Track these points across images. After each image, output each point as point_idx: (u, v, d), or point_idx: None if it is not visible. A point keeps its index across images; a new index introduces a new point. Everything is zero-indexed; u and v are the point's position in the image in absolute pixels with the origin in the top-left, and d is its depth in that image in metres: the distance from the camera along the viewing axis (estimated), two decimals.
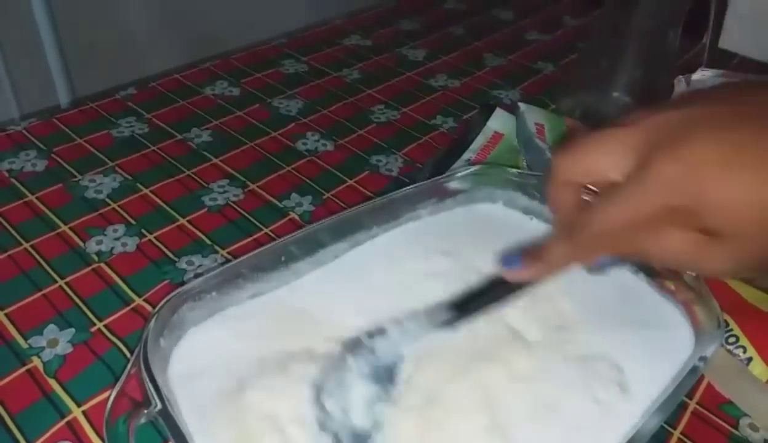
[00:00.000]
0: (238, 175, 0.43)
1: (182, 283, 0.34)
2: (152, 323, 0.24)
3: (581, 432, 0.24)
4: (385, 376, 0.24)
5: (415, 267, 0.31)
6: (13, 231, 0.37)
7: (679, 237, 0.19)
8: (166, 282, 0.34)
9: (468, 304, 0.25)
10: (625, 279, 0.31)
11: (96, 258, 0.36)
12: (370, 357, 0.25)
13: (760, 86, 0.20)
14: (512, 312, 0.28)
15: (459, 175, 0.35)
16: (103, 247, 0.36)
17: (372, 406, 0.24)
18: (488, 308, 0.25)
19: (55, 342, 0.31)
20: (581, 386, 0.26)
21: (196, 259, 0.36)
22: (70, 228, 0.37)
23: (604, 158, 0.20)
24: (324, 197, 0.42)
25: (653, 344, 0.28)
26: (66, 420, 0.27)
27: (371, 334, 0.25)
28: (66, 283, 0.34)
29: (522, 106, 0.44)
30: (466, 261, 0.31)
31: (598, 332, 0.28)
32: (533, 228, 0.34)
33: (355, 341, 0.25)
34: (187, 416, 0.23)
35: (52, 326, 0.31)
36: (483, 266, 0.29)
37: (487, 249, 0.32)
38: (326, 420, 0.23)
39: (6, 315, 0.32)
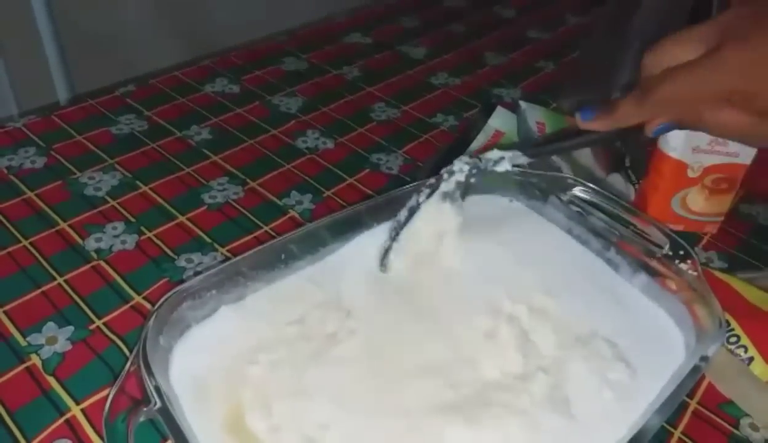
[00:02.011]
0: (237, 173, 0.43)
1: (182, 281, 0.34)
2: (152, 321, 0.24)
3: None
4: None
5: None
6: (12, 229, 0.37)
7: (735, 115, 0.23)
8: (166, 280, 0.34)
9: (545, 144, 0.30)
10: (620, 287, 0.31)
11: (95, 255, 0.35)
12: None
13: None
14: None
15: None
16: (103, 245, 0.36)
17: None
18: (562, 148, 0.29)
19: (54, 339, 0.31)
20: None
21: (196, 257, 0.36)
22: (69, 225, 0.37)
23: (684, 48, 0.24)
24: (324, 195, 0.42)
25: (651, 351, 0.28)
26: (65, 418, 0.27)
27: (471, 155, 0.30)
28: (65, 281, 0.34)
29: (523, 104, 0.44)
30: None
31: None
32: (533, 226, 0.34)
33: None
34: (188, 410, 0.23)
35: (51, 324, 0.31)
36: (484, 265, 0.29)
37: (487, 248, 0.32)
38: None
39: (5, 312, 0.32)
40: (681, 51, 0.24)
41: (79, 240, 0.36)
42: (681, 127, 0.25)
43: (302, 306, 0.29)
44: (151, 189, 0.41)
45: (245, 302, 0.28)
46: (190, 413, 0.23)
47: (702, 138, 0.37)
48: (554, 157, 0.40)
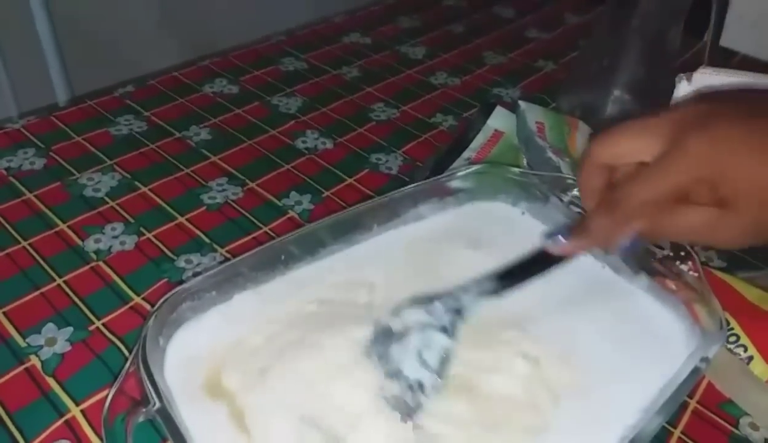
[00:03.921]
0: (237, 174, 0.43)
1: (181, 282, 0.34)
2: (151, 322, 0.24)
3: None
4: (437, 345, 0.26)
5: (414, 269, 0.31)
6: (11, 230, 0.37)
7: (699, 211, 0.22)
8: (165, 280, 0.34)
9: (513, 275, 0.27)
10: (617, 284, 0.31)
11: (94, 256, 0.35)
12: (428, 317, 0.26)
13: None
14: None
15: (460, 173, 0.34)
16: (102, 246, 0.36)
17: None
18: (532, 279, 0.27)
19: (54, 340, 0.31)
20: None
21: (195, 258, 0.36)
22: (68, 226, 0.37)
23: (637, 142, 0.23)
24: (323, 195, 0.42)
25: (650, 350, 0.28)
26: (64, 418, 0.27)
27: (426, 300, 0.27)
28: (64, 282, 0.34)
29: (522, 104, 0.44)
30: (468, 262, 0.31)
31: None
32: (533, 226, 0.34)
33: (415, 301, 0.27)
34: (183, 409, 0.23)
35: (50, 325, 0.31)
36: (483, 266, 0.29)
37: (488, 248, 0.32)
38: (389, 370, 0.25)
39: (4, 313, 0.32)
40: (634, 144, 0.23)
41: (79, 241, 0.36)
42: (644, 241, 0.25)
43: (303, 306, 0.29)
44: (150, 190, 0.41)
45: (245, 302, 0.28)
46: (188, 412, 0.23)
47: None
48: (552, 156, 0.40)
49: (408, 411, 0.24)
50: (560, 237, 0.26)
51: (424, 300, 0.27)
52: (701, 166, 0.22)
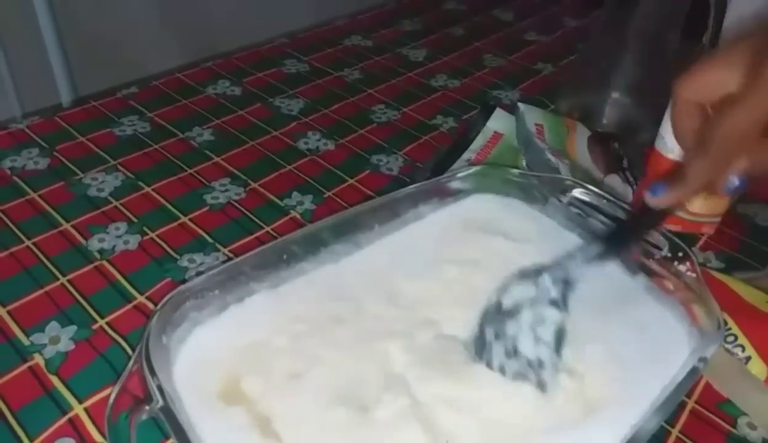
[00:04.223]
0: (239, 174, 0.43)
1: (184, 281, 0.34)
2: (154, 320, 0.24)
3: None
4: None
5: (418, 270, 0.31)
6: (15, 229, 0.37)
7: None
8: (168, 280, 0.35)
9: (619, 237, 0.26)
10: (622, 282, 0.31)
11: (98, 255, 0.36)
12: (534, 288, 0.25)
13: None
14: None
15: (460, 174, 0.35)
16: (105, 245, 0.36)
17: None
18: (638, 239, 0.26)
19: (57, 339, 0.31)
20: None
21: (198, 257, 0.36)
22: (72, 226, 0.38)
23: (721, 73, 0.22)
24: (325, 196, 0.42)
25: (649, 347, 0.28)
26: (68, 416, 0.28)
27: (534, 273, 0.26)
28: (68, 281, 0.34)
29: (522, 106, 0.44)
30: (468, 262, 0.31)
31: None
32: (533, 227, 0.34)
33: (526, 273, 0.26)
34: (190, 408, 0.23)
35: (54, 323, 0.31)
36: (484, 265, 0.29)
37: (489, 248, 0.33)
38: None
39: (8, 312, 0.32)
40: (715, 78, 0.22)
41: (82, 241, 0.37)
42: (751, 179, 0.24)
43: (306, 305, 0.29)
44: (153, 190, 0.41)
45: (247, 301, 0.29)
46: (192, 410, 0.23)
47: None
48: (551, 158, 0.40)
49: (538, 385, 0.24)
50: (660, 188, 0.24)
51: (531, 274, 0.26)
52: None
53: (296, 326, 0.28)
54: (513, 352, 0.25)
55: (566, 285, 0.25)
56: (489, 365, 0.26)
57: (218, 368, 0.25)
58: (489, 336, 0.26)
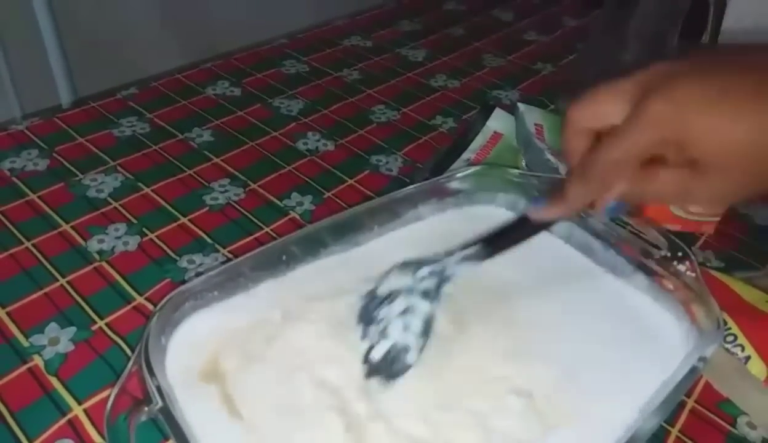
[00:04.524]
0: (239, 175, 0.43)
1: (183, 282, 0.34)
2: (154, 321, 0.25)
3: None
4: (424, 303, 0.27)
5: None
6: (14, 230, 0.37)
7: (671, 173, 0.22)
8: (168, 280, 0.35)
9: (497, 241, 0.28)
10: (616, 284, 0.31)
11: (97, 256, 0.36)
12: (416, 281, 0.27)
13: (740, 46, 0.24)
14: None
15: (459, 175, 0.35)
16: (105, 246, 0.36)
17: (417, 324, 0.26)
18: (515, 244, 0.27)
19: (57, 340, 0.31)
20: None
21: (197, 258, 0.36)
22: (71, 227, 0.38)
23: (608, 106, 0.24)
24: (324, 196, 0.42)
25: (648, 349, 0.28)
26: (67, 418, 0.28)
27: (413, 264, 0.28)
28: (67, 282, 0.34)
29: (521, 106, 0.44)
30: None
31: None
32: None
33: (405, 266, 0.28)
34: (187, 408, 0.23)
35: (53, 324, 0.31)
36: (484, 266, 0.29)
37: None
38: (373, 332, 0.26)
39: (7, 313, 0.32)
40: (603, 108, 0.24)
41: (82, 242, 0.37)
42: (628, 206, 0.25)
43: (305, 305, 0.29)
44: (153, 190, 0.41)
45: (246, 301, 0.29)
46: (189, 410, 0.23)
47: None
48: (551, 158, 0.40)
49: (390, 375, 0.26)
50: (540, 202, 0.26)
51: (412, 266, 0.27)
52: (663, 127, 0.21)
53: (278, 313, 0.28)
54: (383, 335, 0.26)
55: (441, 279, 0.27)
56: (364, 338, 0.27)
57: (204, 349, 0.26)
58: (366, 318, 0.27)
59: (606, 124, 0.24)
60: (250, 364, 0.26)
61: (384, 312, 0.27)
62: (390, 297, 0.27)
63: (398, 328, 0.26)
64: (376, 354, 0.26)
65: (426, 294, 0.27)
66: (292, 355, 0.26)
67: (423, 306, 0.27)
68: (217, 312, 0.28)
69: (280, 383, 0.25)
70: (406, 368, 0.26)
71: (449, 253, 0.28)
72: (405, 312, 0.27)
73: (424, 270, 0.27)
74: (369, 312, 0.27)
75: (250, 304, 0.28)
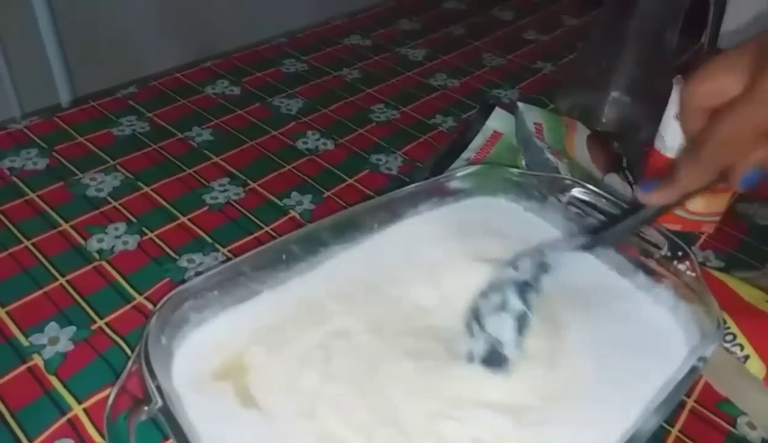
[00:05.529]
0: (238, 174, 0.43)
1: (183, 281, 0.34)
2: (153, 321, 0.24)
3: None
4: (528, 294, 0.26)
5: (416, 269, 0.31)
6: (14, 230, 0.37)
7: None
8: (167, 280, 0.34)
9: (606, 230, 0.26)
10: (616, 283, 0.31)
11: (97, 256, 0.36)
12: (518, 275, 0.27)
13: None
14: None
15: (459, 174, 0.35)
16: (104, 245, 0.36)
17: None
18: (623, 235, 0.26)
19: (56, 339, 0.31)
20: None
21: (197, 257, 0.36)
22: (71, 226, 0.37)
23: (724, 80, 0.22)
24: (324, 196, 0.42)
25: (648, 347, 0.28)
26: (67, 417, 0.27)
27: (520, 258, 0.27)
28: (67, 281, 0.34)
29: (521, 105, 0.44)
30: (466, 263, 0.31)
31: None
32: (533, 227, 0.34)
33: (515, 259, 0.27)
34: (189, 406, 0.23)
35: (53, 324, 0.31)
36: (484, 267, 0.29)
37: (488, 248, 0.33)
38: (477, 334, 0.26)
39: (7, 312, 0.32)
40: (719, 84, 0.22)
41: (81, 241, 0.37)
42: (763, 175, 0.23)
43: (307, 306, 0.29)
44: (152, 190, 0.41)
45: (246, 301, 0.29)
46: (192, 408, 0.23)
47: None
48: (551, 157, 0.40)
49: (498, 365, 0.25)
50: (651, 185, 0.25)
51: (515, 260, 0.27)
52: None
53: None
54: (480, 330, 0.26)
55: (542, 268, 0.26)
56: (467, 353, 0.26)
57: (219, 352, 0.26)
58: (469, 323, 0.27)
59: (724, 100, 0.22)
60: (275, 357, 0.26)
61: (484, 307, 0.26)
62: (490, 291, 0.27)
63: (495, 322, 0.26)
64: (478, 351, 0.26)
65: (525, 285, 0.26)
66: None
67: (524, 296, 0.26)
68: (240, 312, 0.28)
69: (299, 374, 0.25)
70: (506, 361, 0.25)
71: (554, 243, 0.27)
72: (502, 305, 0.26)
73: (525, 261, 0.27)
74: (473, 311, 0.27)
75: (276, 302, 0.28)
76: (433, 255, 0.31)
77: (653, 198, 0.25)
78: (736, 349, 0.30)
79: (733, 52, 0.22)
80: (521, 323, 0.26)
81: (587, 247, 0.26)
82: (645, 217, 0.26)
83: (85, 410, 0.28)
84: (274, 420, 0.24)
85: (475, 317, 0.27)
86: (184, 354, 0.26)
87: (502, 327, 0.26)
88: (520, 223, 0.34)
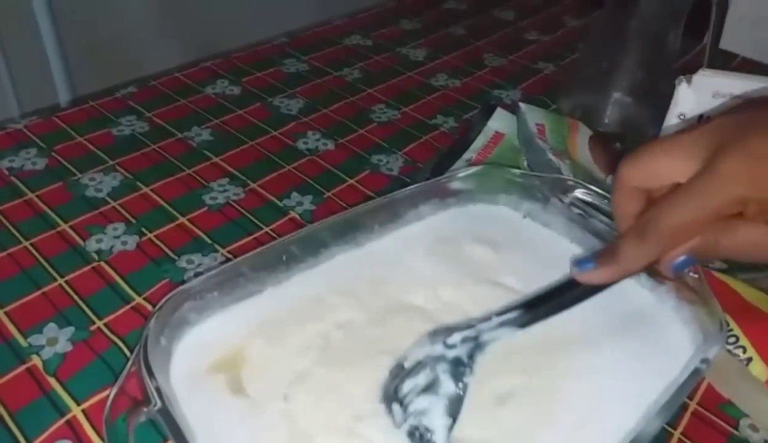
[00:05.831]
0: (238, 174, 0.43)
1: (182, 282, 0.34)
2: (152, 322, 0.24)
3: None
4: (458, 372, 0.24)
5: (416, 268, 0.31)
6: (12, 230, 0.37)
7: (749, 228, 0.20)
8: (167, 280, 0.34)
9: (540, 306, 0.25)
10: (618, 285, 0.31)
11: (96, 256, 0.35)
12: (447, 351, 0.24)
13: None
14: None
15: (461, 175, 0.35)
16: (103, 246, 0.36)
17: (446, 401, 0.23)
18: (560, 310, 0.24)
19: (55, 340, 0.31)
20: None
21: (197, 258, 0.36)
22: (70, 226, 0.37)
23: (669, 163, 0.22)
24: (324, 196, 0.42)
25: (651, 346, 0.28)
26: (65, 418, 0.27)
27: (444, 332, 0.25)
28: (66, 282, 0.34)
29: (523, 106, 0.44)
30: (467, 263, 0.31)
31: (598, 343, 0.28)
32: (533, 228, 0.34)
33: (434, 334, 0.25)
34: (190, 416, 0.23)
35: (51, 325, 0.31)
36: (484, 267, 0.29)
37: (489, 250, 0.32)
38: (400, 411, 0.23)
39: (6, 313, 0.32)
40: (665, 164, 0.22)
41: (80, 241, 0.36)
42: (700, 259, 0.22)
43: (308, 307, 0.29)
44: (151, 190, 0.41)
45: (246, 302, 0.28)
46: (189, 409, 0.23)
47: None
48: (553, 158, 0.40)
49: None
50: (588, 263, 0.23)
51: (442, 333, 0.25)
52: (741, 186, 0.20)
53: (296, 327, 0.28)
54: (406, 411, 0.23)
55: (475, 346, 0.24)
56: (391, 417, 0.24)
57: (216, 347, 0.26)
58: (391, 393, 0.24)
59: (664, 183, 0.22)
60: (273, 349, 0.26)
61: (408, 386, 0.23)
62: (416, 368, 0.24)
63: (422, 406, 0.23)
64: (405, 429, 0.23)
65: (458, 363, 0.24)
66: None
67: (455, 376, 0.23)
68: (240, 310, 0.27)
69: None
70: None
71: (485, 319, 0.25)
72: (432, 386, 0.23)
73: (456, 337, 0.24)
74: (393, 388, 0.24)
75: (281, 297, 0.28)
76: (426, 264, 0.31)
77: (591, 276, 0.24)
78: (739, 351, 0.30)
79: (682, 137, 0.22)
80: (453, 408, 0.23)
81: (524, 325, 0.24)
82: (584, 292, 0.24)
83: (83, 411, 0.28)
84: (255, 404, 0.24)
85: (395, 399, 0.24)
86: (182, 354, 0.26)
87: (432, 412, 0.23)
88: (516, 232, 0.34)
